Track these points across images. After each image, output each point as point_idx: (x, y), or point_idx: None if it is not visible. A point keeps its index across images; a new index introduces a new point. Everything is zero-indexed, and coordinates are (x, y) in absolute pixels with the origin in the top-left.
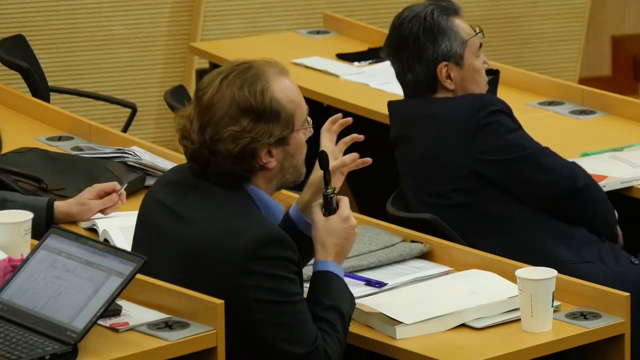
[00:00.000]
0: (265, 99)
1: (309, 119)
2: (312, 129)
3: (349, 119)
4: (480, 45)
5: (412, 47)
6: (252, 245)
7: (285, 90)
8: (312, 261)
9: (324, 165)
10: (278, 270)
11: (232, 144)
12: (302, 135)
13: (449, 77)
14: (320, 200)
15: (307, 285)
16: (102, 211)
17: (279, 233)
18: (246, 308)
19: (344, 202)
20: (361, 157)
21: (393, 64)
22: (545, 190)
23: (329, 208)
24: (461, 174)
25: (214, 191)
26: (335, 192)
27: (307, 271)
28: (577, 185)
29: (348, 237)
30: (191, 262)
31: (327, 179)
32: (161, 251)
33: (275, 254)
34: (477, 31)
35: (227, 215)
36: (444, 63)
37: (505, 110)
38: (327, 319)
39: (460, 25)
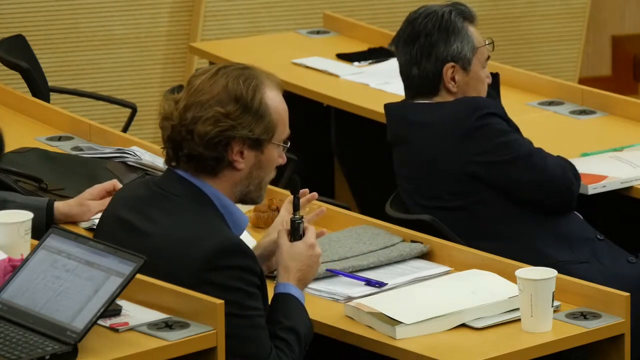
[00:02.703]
0: (256, 96)
1: (288, 142)
2: (285, 157)
3: (315, 194)
4: (488, 57)
5: (424, 41)
6: (210, 255)
7: (276, 101)
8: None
9: (295, 191)
10: (235, 282)
11: (211, 125)
12: (276, 153)
13: (453, 79)
14: (288, 227)
15: None
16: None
17: (237, 242)
18: None
19: (310, 230)
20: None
21: (399, 57)
22: (540, 190)
23: (295, 234)
24: (457, 176)
25: (174, 200)
26: (303, 219)
27: None
28: (571, 186)
29: (311, 265)
30: (151, 274)
31: (296, 205)
32: None
33: (232, 263)
34: (488, 42)
35: (185, 225)
36: (452, 64)
37: (498, 113)
38: (284, 339)
39: (474, 32)
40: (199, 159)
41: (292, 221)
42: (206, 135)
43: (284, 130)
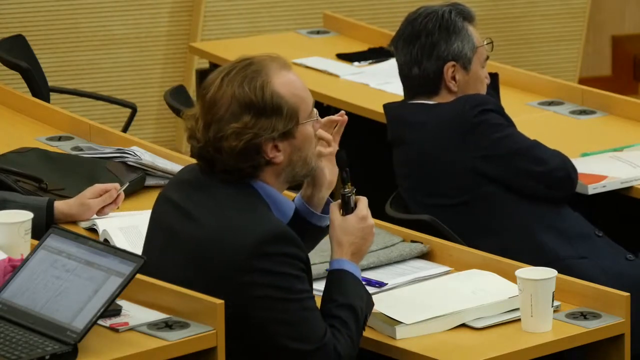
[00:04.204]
0: (265, 94)
1: (315, 110)
2: (320, 119)
3: (345, 118)
4: (487, 57)
5: (425, 41)
6: (257, 242)
7: (287, 84)
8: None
9: (342, 164)
10: (283, 267)
11: (235, 140)
12: (309, 127)
13: (453, 78)
14: (339, 200)
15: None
16: (101, 210)
17: (284, 229)
18: (251, 306)
19: (362, 202)
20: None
21: (399, 57)
22: (542, 181)
23: (347, 207)
24: (460, 173)
25: (221, 189)
26: (354, 191)
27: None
28: (571, 174)
29: (365, 237)
30: (197, 261)
31: (344, 179)
32: (170, 250)
33: (280, 250)
34: (487, 42)
35: (232, 213)
36: (452, 63)
37: (496, 109)
38: (339, 316)
39: (474, 31)
40: (235, 171)
41: (342, 195)
42: (235, 149)
43: (307, 106)
